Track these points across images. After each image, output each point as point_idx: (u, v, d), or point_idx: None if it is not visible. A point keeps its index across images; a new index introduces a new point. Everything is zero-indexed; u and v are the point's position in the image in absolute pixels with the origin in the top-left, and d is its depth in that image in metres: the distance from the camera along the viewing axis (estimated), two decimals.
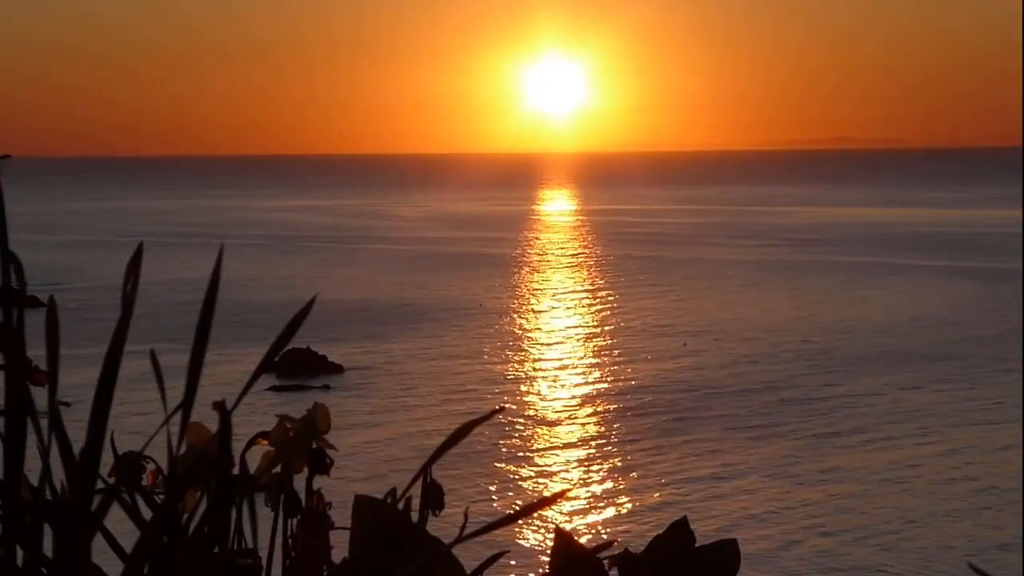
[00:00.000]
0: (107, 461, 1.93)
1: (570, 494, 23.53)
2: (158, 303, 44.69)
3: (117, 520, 1.87)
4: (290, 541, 2.15)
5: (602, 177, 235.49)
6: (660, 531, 2.31)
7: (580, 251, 76.52)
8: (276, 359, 2.10)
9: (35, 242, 73.76)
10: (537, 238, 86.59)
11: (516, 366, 36.62)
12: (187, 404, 1.82)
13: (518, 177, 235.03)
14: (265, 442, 2.18)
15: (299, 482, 2.18)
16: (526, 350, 39.43)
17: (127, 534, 1.87)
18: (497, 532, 1.80)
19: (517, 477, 24.99)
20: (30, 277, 1.82)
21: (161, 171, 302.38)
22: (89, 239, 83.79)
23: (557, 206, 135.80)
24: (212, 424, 1.94)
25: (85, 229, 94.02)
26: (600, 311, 48.68)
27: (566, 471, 25.66)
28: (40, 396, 1.82)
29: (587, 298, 52.85)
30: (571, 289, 56.22)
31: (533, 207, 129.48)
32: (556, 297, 53.33)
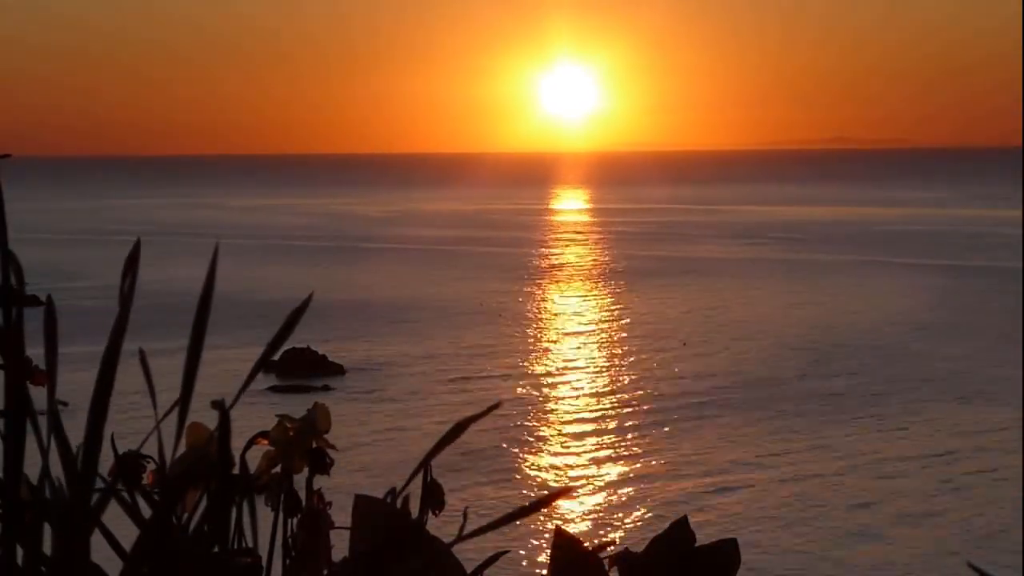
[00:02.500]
0: (108, 461, 1.93)
1: (571, 493, 23.51)
2: (158, 302, 44.68)
3: (117, 520, 1.86)
4: (290, 541, 2.15)
5: (611, 176, 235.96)
6: (660, 531, 2.31)
7: (582, 250, 76.52)
8: (275, 358, 2.09)
9: (34, 241, 73.77)
10: (540, 237, 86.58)
11: (516, 365, 36.61)
12: (184, 402, 1.81)
13: (531, 176, 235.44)
14: (265, 442, 2.18)
15: (299, 482, 2.18)
16: (526, 349, 39.43)
17: (127, 535, 1.87)
18: (497, 532, 1.80)
19: (517, 476, 24.99)
20: (28, 275, 1.82)
21: (173, 170, 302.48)
22: (89, 238, 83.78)
23: (564, 204, 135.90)
24: (211, 423, 1.93)
25: (85, 227, 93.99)
26: (600, 309, 48.68)
27: (566, 469, 25.66)
28: (39, 395, 1.81)
29: (588, 297, 52.85)
30: (572, 288, 56.21)
31: (539, 206, 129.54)
32: (556, 296, 53.33)
